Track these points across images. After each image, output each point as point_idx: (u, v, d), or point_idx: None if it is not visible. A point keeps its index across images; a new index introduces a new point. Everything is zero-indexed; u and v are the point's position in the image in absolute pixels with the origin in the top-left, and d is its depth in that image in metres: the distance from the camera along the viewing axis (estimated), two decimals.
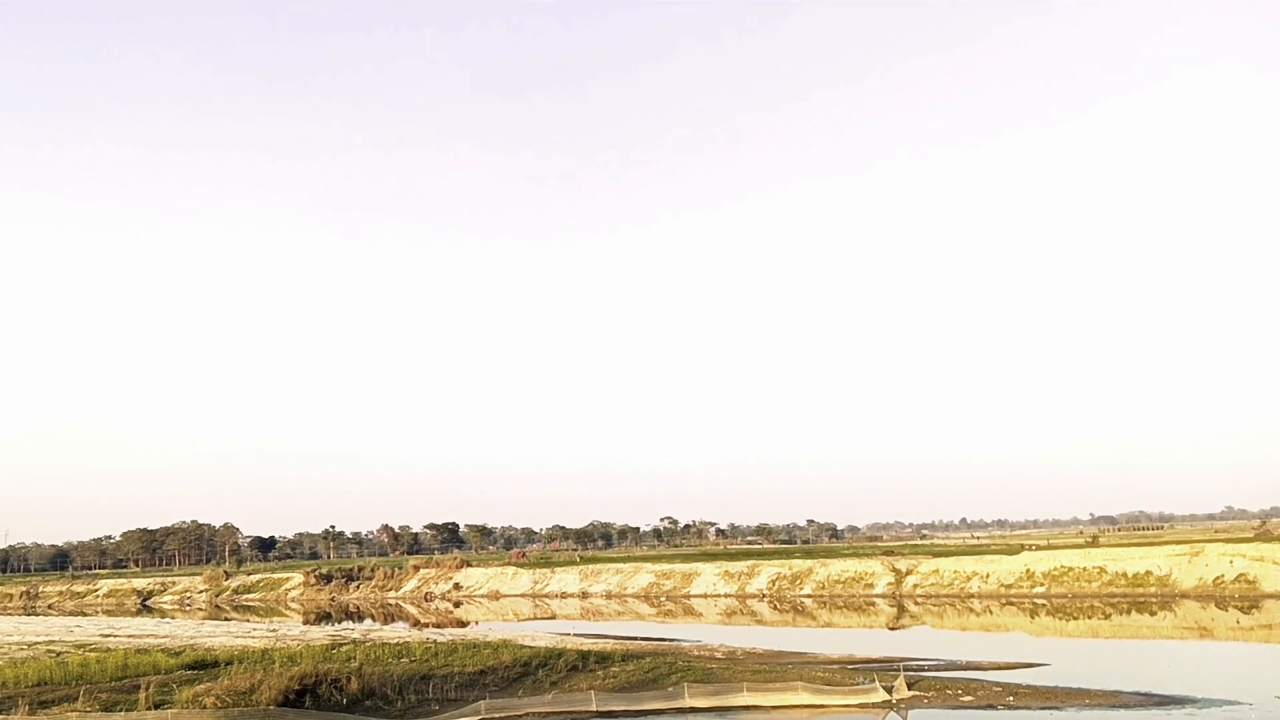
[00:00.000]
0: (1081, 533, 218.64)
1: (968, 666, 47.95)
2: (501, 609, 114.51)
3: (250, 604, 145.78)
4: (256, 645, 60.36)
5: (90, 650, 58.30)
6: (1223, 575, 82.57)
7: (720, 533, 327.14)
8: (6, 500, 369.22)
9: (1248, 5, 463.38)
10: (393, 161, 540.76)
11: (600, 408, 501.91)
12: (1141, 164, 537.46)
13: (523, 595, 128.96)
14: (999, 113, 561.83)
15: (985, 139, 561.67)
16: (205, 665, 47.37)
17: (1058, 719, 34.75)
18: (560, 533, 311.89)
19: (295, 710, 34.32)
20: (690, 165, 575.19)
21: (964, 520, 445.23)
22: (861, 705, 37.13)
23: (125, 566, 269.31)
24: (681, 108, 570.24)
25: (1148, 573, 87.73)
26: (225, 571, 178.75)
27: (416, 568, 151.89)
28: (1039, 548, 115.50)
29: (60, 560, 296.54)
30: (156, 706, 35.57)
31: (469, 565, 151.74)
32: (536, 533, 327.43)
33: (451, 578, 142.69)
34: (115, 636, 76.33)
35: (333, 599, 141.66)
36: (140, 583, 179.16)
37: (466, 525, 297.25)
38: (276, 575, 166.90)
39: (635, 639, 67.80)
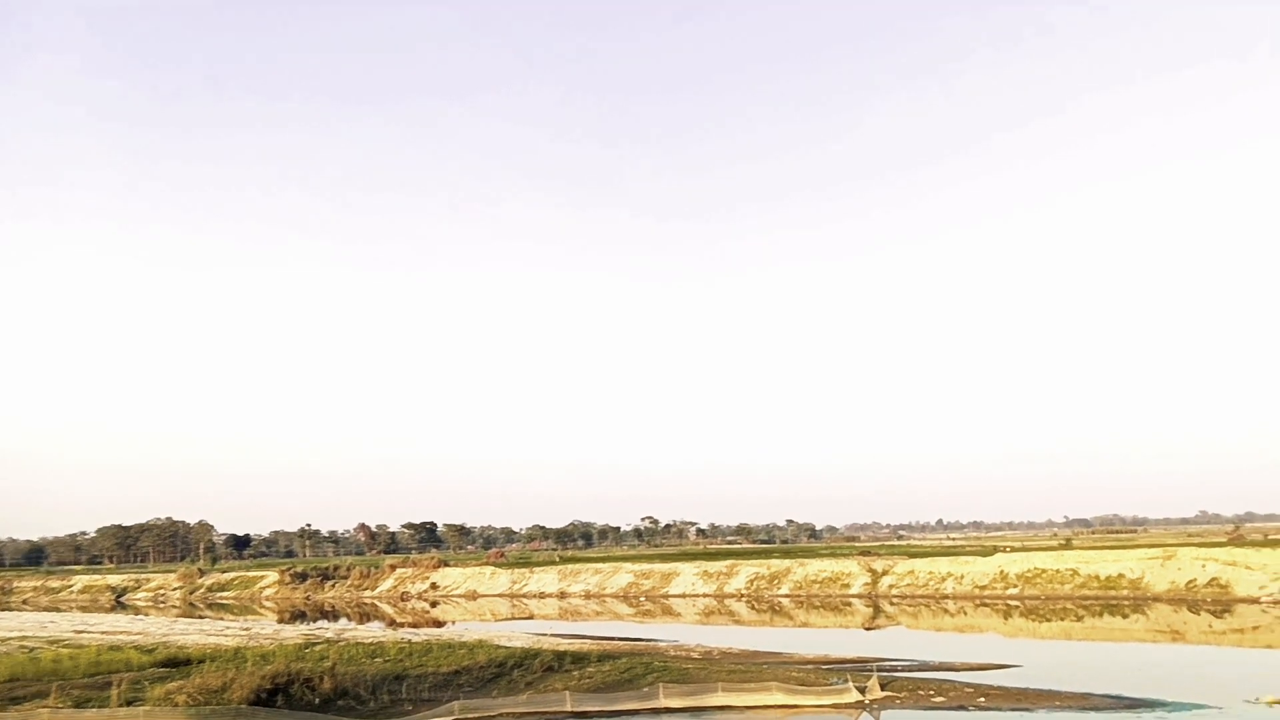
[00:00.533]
0: (1055, 535, 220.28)
1: (940, 667, 48.27)
2: (479, 609, 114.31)
3: (224, 602, 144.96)
4: (229, 644, 60.10)
5: (63, 646, 57.88)
6: (1195, 579, 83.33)
7: (701, 532, 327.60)
8: None
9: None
10: (356, 154, 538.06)
11: (582, 408, 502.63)
12: (1109, 173, 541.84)
13: (500, 595, 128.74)
14: (968, 119, 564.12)
15: (951, 148, 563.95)
16: (178, 663, 47.21)
17: None
18: (540, 532, 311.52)
19: (267, 709, 34.24)
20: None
21: (940, 521, 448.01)
22: (835, 705, 37.34)
23: (100, 563, 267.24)
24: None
25: (1120, 576, 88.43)
26: (200, 569, 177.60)
27: (393, 567, 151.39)
28: (1013, 549, 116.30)
29: (35, 555, 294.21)
30: (128, 704, 35.42)
31: (446, 565, 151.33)
32: (516, 532, 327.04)
33: (428, 577, 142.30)
34: (88, 633, 75.77)
35: (308, 598, 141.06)
36: (114, 579, 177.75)
37: (445, 525, 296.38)
38: (251, 573, 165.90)
39: (612, 639, 67.87)
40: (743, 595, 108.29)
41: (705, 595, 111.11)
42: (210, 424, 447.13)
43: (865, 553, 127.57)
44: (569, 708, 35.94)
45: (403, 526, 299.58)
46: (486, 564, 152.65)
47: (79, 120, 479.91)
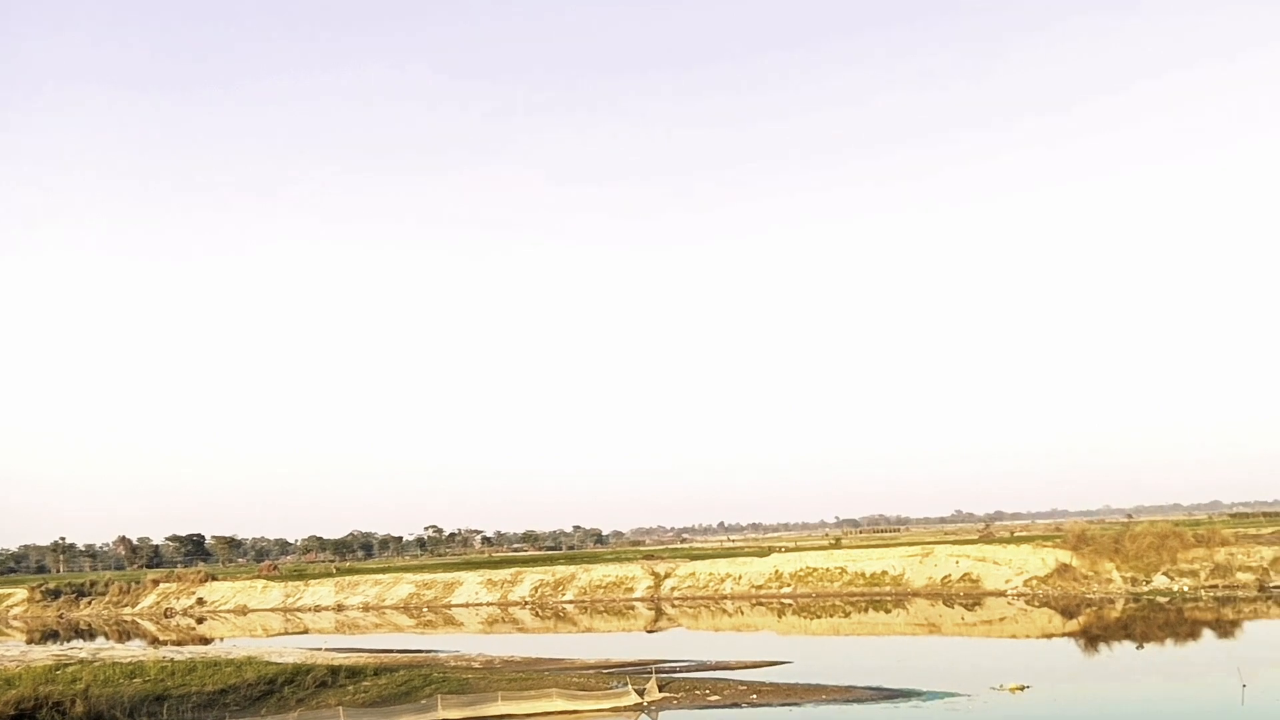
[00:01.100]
0: (827, 535, 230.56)
1: (717, 666, 49.72)
2: (250, 624, 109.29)
3: None
4: None
5: None
6: (950, 575, 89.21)
7: (487, 540, 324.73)
8: None
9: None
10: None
11: (360, 411, 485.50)
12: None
13: (273, 610, 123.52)
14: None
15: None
16: None
17: (797, 715, 36.59)
18: (317, 543, 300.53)
19: None
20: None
21: (721, 523, 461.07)
22: (614, 709, 37.85)
23: None
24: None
25: (884, 572, 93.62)
26: None
27: (156, 582, 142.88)
28: (787, 550, 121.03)
29: None
30: None
31: (214, 579, 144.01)
32: (291, 544, 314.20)
33: (194, 592, 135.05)
34: None
35: (61, 616, 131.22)
36: None
37: (213, 536, 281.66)
38: None
39: (391, 652, 66.42)
40: (527, 603, 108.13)
41: (489, 604, 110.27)
42: None
43: (649, 556, 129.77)
44: None
45: (167, 539, 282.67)
46: (258, 577, 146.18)
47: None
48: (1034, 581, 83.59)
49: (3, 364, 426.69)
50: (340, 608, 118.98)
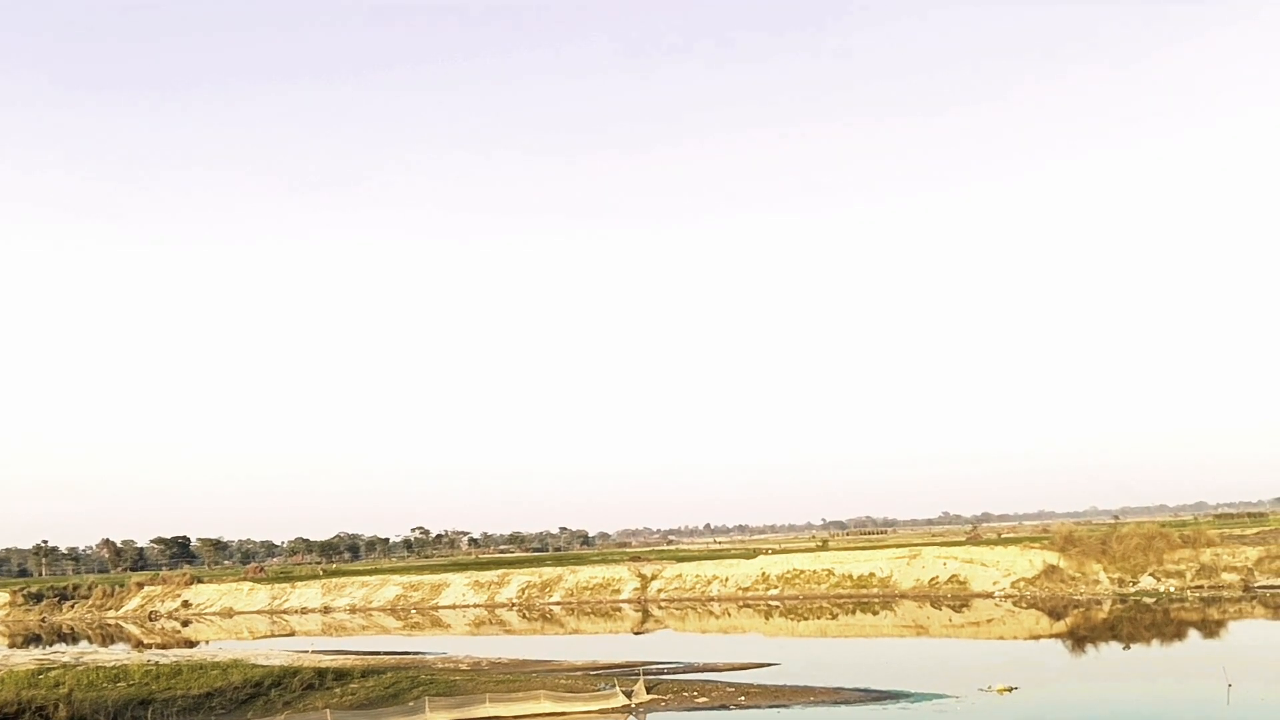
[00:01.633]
0: (814, 537, 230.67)
1: (705, 668, 49.67)
2: (236, 627, 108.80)
3: None
4: None
5: None
6: (937, 576, 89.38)
7: (473, 542, 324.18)
8: None
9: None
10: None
11: (346, 412, 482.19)
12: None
13: (260, 612, 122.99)
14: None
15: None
16: None
17: (785, 716, 36.58)
18: (304, 545, 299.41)
19: None
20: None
21: (708, 526, 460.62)
22: (602, 711, 37.78)
23: None
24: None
25: (871, 574, 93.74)
26: None
27: (140, 585, 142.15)
28: (774, 552, 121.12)
29: None
30: None
31: (200, 581, 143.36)
32: (278, 546, 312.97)
33: (180, 595, 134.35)
34: None
35: (44, 620, 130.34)
36: None
37: (199, 539, 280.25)
38: None
39: (378, 654, 66.23)
40: (514, 604, 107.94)
41: (476, 606, 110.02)
42: None
43: (636, 558, 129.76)
44: None
45: (152, 541, 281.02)
46: (245, 580, 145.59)
47: None
48: (1021, 583, 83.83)
49: None
50: (327, 610, 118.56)
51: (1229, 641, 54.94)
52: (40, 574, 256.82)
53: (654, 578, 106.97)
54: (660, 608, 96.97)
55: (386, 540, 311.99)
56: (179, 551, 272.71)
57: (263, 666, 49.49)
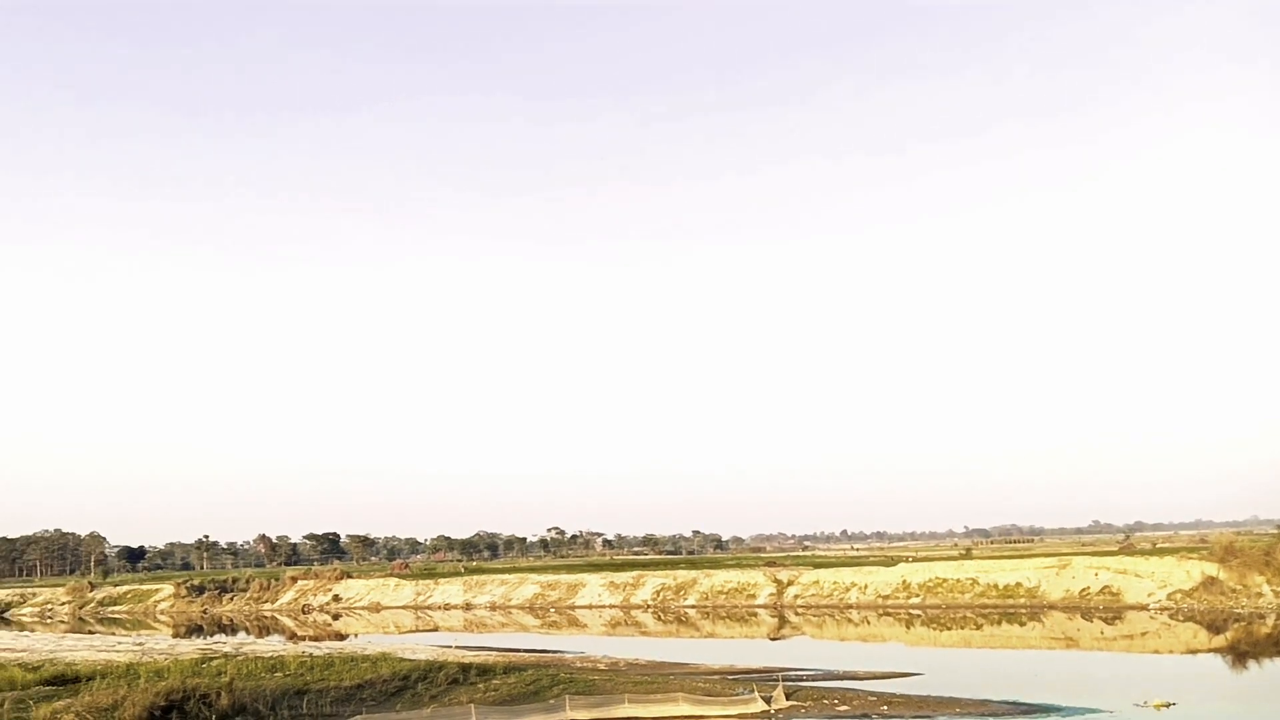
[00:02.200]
0: (956, 545, 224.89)
1: (844, 676, 48.90)
2: (382, 621, 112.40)
3: (117, 616, 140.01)
4: (121, 660, 58.04)
5: None
6: (1088, 587, 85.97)
7: (607, 543, 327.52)
8: None
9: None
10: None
11: (487, 417, 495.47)
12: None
13: (405, 607, 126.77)
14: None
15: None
16: (65, 681, 45.36)
17: None
18: (445, 543, 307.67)
19: None
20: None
21: (844, 532, 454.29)
22: (741, 715, 37.56)
23: None
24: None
25: (1018, 584, 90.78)
26: (90, 582, 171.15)
27: (294, 579, 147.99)
28: (915, 560, 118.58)
29: None
30: None
31: (349, 576, 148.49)
32: (421, 543, 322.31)
33: (331, 589, 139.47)
34: None
35: (205, 611, 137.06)
36: None
37: (348, 535, 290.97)
38: (145, 586, 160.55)
39: (518, 651, 67.36)
40: (649, 606, 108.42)
41: (612, 606, 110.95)
42: (101, 431, 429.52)
43: (771, 563, 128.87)
44: None
45: (304, 537, 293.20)
46: (390, 575, 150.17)
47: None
48: (1178, 595, 79.90)
49: (152, 378, 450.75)
50: (468, 606, 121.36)
51: None
52: (201, 567, 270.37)
53: (790, 583, 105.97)
54: (796, 614, 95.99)
55: (524, 540, 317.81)
56: (329, 547, 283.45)
57: (410, 660, 50.95)
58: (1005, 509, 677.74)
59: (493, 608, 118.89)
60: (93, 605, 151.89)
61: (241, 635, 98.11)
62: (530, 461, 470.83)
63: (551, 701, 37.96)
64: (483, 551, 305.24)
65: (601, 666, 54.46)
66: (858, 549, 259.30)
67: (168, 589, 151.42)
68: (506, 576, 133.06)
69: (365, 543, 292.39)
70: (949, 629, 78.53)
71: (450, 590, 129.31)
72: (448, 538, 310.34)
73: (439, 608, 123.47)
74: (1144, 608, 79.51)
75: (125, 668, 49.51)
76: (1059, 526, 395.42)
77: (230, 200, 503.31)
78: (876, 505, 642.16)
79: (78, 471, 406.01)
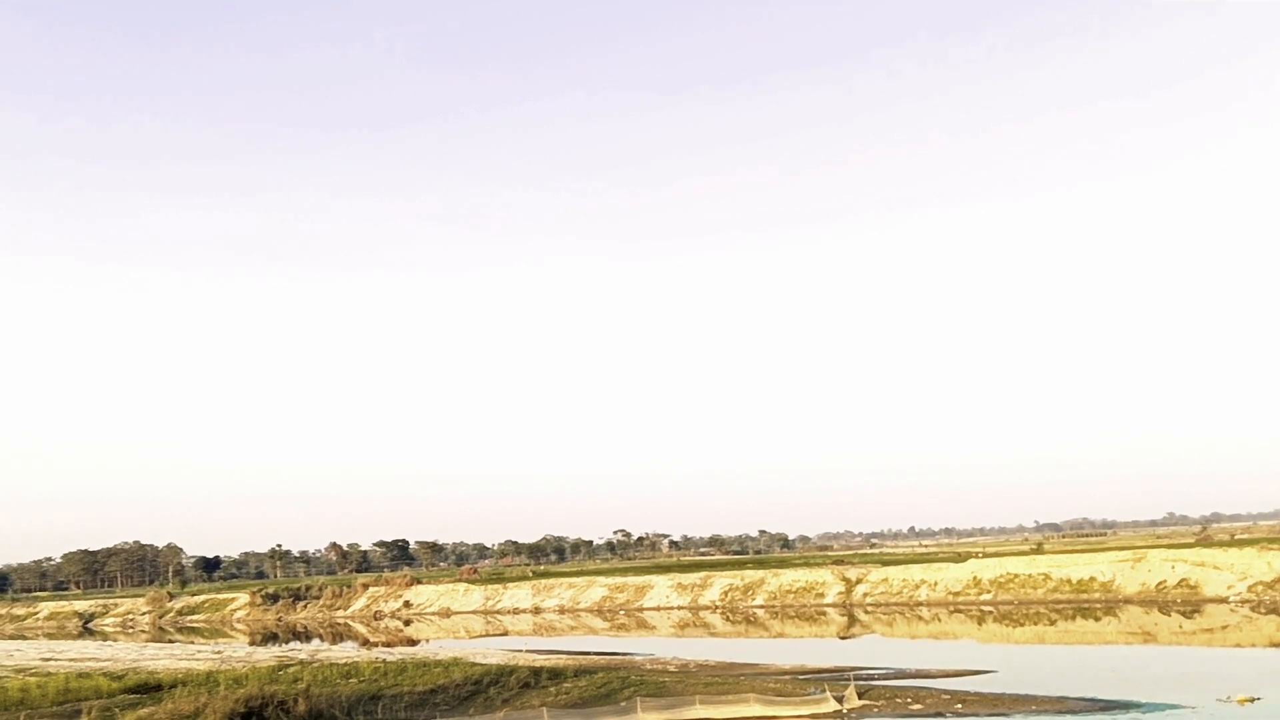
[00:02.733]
0: (1026, 540, 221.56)
1: (917, 675, 48.42)
2: (453, 626, 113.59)
3: (195, 625, 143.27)
4: (201, 668, 59.36)
5: (30, 675, 56.97)
6: (1165, 580, 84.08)
7: (674, 545, 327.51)
8: None
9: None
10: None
11: (551, 421, 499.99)
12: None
13: (474, 612, 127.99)
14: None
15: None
16: (149, 689, 46.53)
17: None
18: (513, 548, 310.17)
19: None
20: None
21: (912, 529, 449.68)
22: (813, 715, 37.38)
23: (66, 588, 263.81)
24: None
25: (1092, 579, 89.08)
26: (169, 593, 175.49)
27: (365, 586, 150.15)
28: (985, 555, 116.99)
29: None
30: None
31: (419, 582, 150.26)
32: (488, 548, 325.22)
33: (401, 595, 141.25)
34: (56, 660, 74.73)
35: (279, 619, 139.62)
36: (81, 605, 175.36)
37: (416, 542, 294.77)
38: (221, 596, 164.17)
39: (588, 654, 67.65)
40: (717, 607, 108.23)
41: (680, 608, 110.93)
42: (178, 446, 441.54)
43: (839, 562, 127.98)
44: None
45: (374, 545, 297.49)
46: (460, 581, 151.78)
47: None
48: (1259, 587, 77.76)
49: (229, 394, 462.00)
50: (537, 610, 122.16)
51: None
52: (275, 576, 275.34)
53: (859, 581, 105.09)
54: (866, 612, 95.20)
55: (590, 543, 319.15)
56: (398, 554, 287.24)
57: (481, 665, 51.43)
58: (1076, 502, 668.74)
59: (561, 611, 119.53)
60: (172, 615, 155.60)
61: (315, 642, 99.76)
62: (596, 464, 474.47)
63: (623, 704, 38.09)
64: (550, 555, 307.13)
65: (671, 668, 54.53)
66: (926, 546, 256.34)
67: (243, 598, 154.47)
68: (574, 580, 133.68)
69: (434, 549, 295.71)
70: (1022, 625, 77.37)
71: (519, 594, 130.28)
72: (515, 542, 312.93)
73: (508, 612, 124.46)
74: (1224, 600, 77.60)
75: (205, 675, 50.59)
76: (1132, 519, 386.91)
77: (306, 210, 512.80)
78: (944, 501, 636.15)
79: (156, 484, 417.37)
